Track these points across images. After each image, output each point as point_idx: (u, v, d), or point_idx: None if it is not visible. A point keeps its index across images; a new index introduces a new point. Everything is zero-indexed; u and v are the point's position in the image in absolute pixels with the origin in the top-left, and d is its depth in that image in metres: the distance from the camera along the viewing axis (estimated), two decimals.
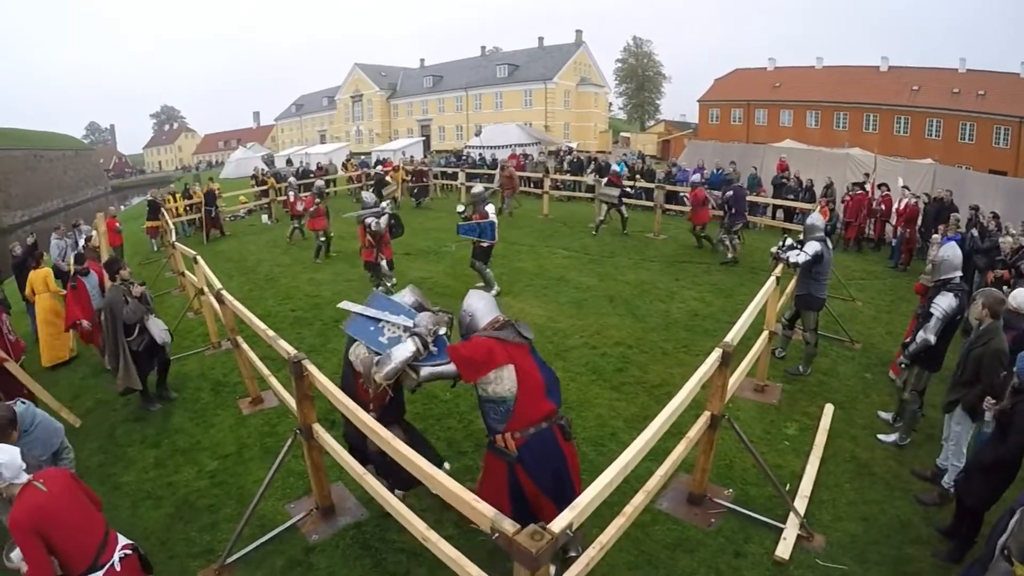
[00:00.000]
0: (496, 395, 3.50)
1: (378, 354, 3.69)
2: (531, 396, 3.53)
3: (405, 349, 3.54)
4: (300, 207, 14.89)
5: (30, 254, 9.69)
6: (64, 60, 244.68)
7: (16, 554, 2.93)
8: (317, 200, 13.14)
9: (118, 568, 3.12)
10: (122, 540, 3.29)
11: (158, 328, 6.60)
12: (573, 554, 4.15)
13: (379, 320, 3.94)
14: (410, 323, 3.74)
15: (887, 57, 40.42)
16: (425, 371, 3.57)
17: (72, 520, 3.06)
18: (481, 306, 3.84)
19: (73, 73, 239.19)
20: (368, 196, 10.17)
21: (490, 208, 9.80)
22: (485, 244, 9.72)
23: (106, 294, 6.69)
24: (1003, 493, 4.01)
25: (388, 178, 19.25)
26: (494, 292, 9.88)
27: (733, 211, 12.08)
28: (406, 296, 4.12)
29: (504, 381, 3.47)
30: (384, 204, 10.70)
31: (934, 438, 5.57)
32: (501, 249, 10.78)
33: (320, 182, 14.79)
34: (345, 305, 4.09)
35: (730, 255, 12.01)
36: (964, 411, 4.69)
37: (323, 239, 13.03)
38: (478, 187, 10.43)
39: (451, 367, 3.49)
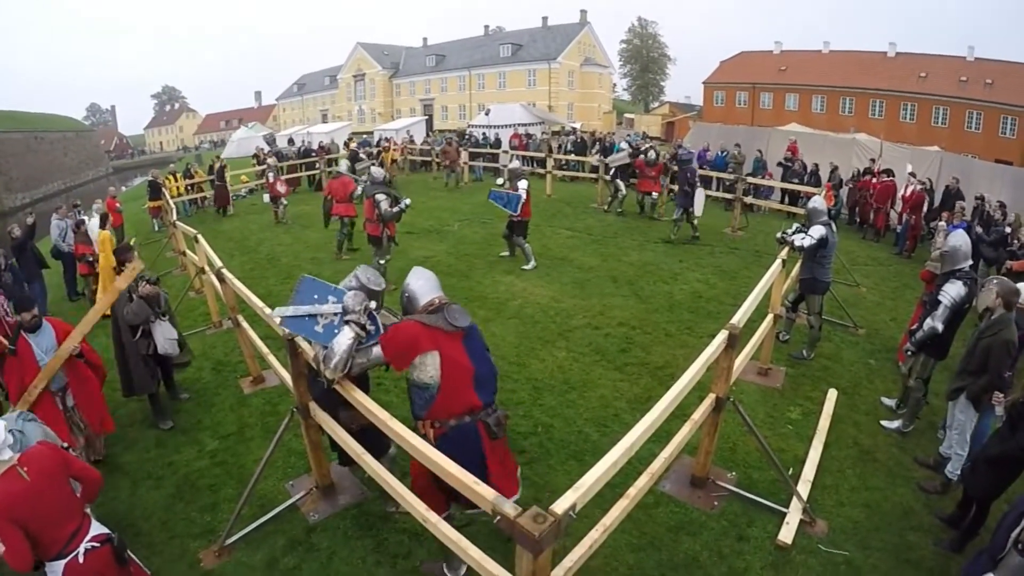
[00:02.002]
0: (419, 381, 3.40)
1: (324, 347, 3.54)
2: (455, 386, 3.40)
3: (345, 337, 3.41)
4: (281, 188, 15.14)
5: (30, 235, 9.64)
6: (64, 40, 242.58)
7: None
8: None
9: (81, 560, 3.06)
10: (95, 530, 3.21)
11: (163, 336, 5.78)
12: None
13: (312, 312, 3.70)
14: (339, 308, 3.57)
15: (895, 43, 40.05)
16: (355, 366, 3.47)
17: (48, 509, 3.02)
18: (419, 285, 3.68)
19: (74, 54, 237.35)
20: (377, 171, 9.94)
21: (522, 183, 10.15)
22: (517, 218, 10.17)
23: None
24: (1009, 486, 3.99)
25: (362, 154, 18.94)
26: (532, 266, 10.31)
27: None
28: (351, 280, 3.83)
29: (427, 368, 3.35)
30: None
31: (937, 426, 5.55)
32: (503, 228, 10.75)
33: (346, 161, 13.30)
34: (276, 312, 3.79)
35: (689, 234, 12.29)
36: (968, 400, 4.64)
37: (349, 228, 11.62)
38: (515, 162, 10.88)
39: (377, 355, 3.42)
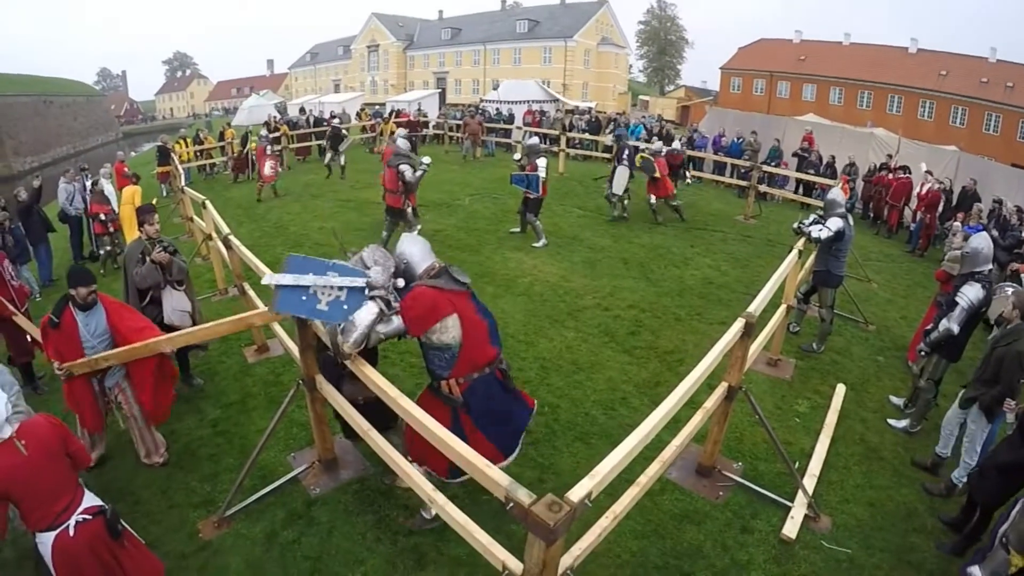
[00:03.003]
0: (440, 343, 3.45)
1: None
2: (475, 342, 3.51)
3: (368, 312, 3.31)
4: (269, 170, 13.89)
5: (36, 199, 9.59)
6: (76, 6, 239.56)
7: None
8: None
9: (72, 533, 3.00)
10: (88, 502, 3.14)
11: (171, 306, 5.36)
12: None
13: (308, 287, 3.42)
14: (361, 283, 3.43)
15: (916, 39, 39.18)
16: (374, 336, 3.39)
17: (45, 484, 2.98)
18: (416, 251, 3.70)
19: (85, 19, 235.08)
20: (403, 142, 9.88)
21: (541, 161, 10.02)
22: (533, 196, 10.06)
23: (127, 246, 5.56)
24: (1015, 494, 3.93)
25: (344, 131, 18.30)
26: (542, 243, 10.22)
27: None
28: (365, 257, 3.66)
29: (449, 330, 3.43)
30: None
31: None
32: (514, 204, 10.64)
33: (401, 132, 12.11)
34: (269, 279, 3.48)
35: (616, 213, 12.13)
36: (980, 410, 4.57)
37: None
38: (533, 139, 10.80)
39: (398, 325, 3.40)
